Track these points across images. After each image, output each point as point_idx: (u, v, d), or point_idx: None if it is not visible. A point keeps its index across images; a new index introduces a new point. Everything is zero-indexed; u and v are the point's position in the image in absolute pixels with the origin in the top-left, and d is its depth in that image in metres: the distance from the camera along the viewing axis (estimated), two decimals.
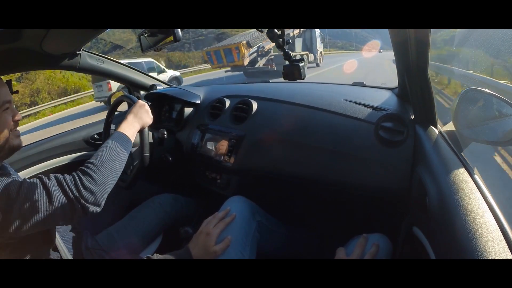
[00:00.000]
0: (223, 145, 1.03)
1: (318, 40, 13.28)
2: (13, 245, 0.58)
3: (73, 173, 0.62)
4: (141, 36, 0.76)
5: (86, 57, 1.21)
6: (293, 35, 11.07)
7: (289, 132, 0.91)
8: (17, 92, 0.76)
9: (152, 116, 0.89)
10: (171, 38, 0.67)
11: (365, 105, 0.85)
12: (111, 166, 0.65)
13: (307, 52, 12.34)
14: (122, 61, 1.47)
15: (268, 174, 0.96)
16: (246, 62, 9.33)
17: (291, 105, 0.97)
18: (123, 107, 1.17)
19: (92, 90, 10.03)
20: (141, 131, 0.89)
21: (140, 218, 0.97)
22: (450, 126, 0.71)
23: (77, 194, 0.57)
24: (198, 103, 1.24)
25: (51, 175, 0.59)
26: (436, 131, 0.68)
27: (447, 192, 0.49)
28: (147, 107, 0.88)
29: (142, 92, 1.49)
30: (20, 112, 0.71)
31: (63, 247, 0.69)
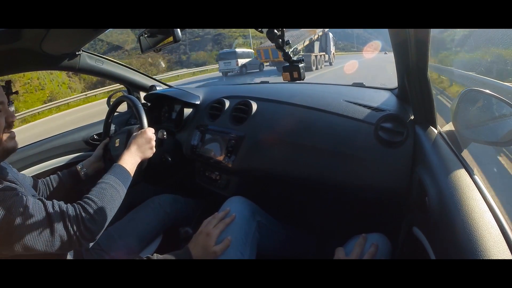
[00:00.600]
0: (223, 145, 1.03)
1: (331, 43, 16.76)
2: None
3: (75, 205, 0.63)
4: (141, 37, 0.76)
5: (86, 58, 1.21)
6: (313, 39, 14.28)
7: (289, 133, 0.91)
8: (16, 93, 0.76)
9: (154, 149, 0.88)
10: (171, 38, 0.68)
11: (365, 106, 0.85)
12: (111, 206, 0.67)
13: (323, 53, 15.80)
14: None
15: (268, 174, 0.96)
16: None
17: (291, 105, 0.97)
18: (123, 107, 1.17)
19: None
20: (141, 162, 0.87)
21: (140, 218, 0.97)
22: (449, 127, 0.71)
23: (77, 232, 0.60)
24: (197, 104, 1.24)
25: (55, 203, 0.61)
26: (436, 131, 0.68)
27: (447, 192, 0.49)
28: (150, 135, 0.87)
29: (141, 93, 1.49)
30: None
31: None
